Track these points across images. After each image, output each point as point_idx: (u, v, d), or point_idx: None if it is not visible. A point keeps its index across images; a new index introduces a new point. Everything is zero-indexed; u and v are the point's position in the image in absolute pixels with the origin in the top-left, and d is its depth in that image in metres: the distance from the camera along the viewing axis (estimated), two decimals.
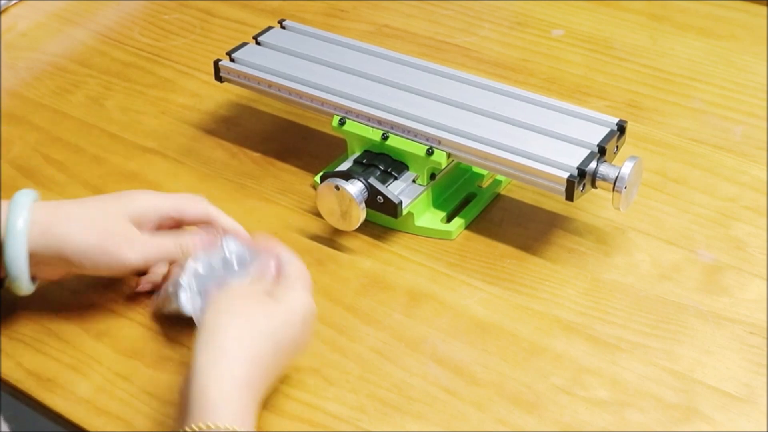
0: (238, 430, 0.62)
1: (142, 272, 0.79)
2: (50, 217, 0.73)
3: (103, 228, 0.74)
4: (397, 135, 0.85)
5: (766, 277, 0.81)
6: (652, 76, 1.07)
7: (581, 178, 0.79)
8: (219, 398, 0.63)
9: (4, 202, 0.73)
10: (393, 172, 0.85)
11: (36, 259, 0.73)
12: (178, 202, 0.79)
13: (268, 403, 0.72)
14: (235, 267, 0.76)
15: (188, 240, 0.77)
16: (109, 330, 0.79)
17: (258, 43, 0.97)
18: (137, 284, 0.80)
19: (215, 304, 0.69)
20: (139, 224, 0.76)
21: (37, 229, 0.72)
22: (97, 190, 0.93)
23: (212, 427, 0.61)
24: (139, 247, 0.75)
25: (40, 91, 1.07)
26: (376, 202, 0.83)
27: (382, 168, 0.85)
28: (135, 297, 0.80)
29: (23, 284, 0.73)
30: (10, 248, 0.71)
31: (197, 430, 0.61)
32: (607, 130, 0.82)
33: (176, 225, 0.79)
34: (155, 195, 0.78)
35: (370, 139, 0.86)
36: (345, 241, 0.86)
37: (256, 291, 0.70)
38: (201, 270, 0.76)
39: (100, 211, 0.75)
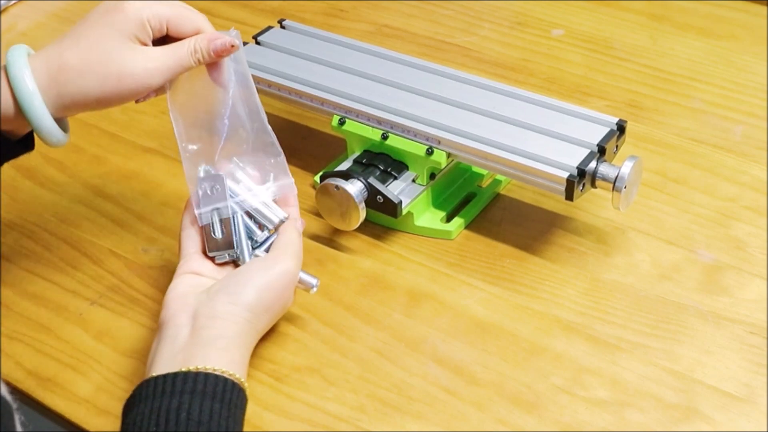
0: (237, 376, 0.66)
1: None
2: (55, 83, 0.69)
3: (114, 68, 0.70)
4: (396, 135, 0.85)
5: (766, 277, 0.81)
6: (652, 76, 1.07)
7: (581, 178, 0.79)
8: (218, 349, 0.67)
9: None
10: (393, 172, 0.85)
11: (57, 116, 0.71)
12: (174, 10, 0.73)
13: (268, 402, 0.72)
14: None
15: (200, 42, 0.73)
16: (109, 330, 0.79)
17: (258, 43, 0.97)
18: None
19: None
20: (142, 37, 0.72)
21: (48, 98, 0.69)
22: (97, 189, 0.93)
23: (214, 370, 0.64)
24: (154, 66, 0.71)
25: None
26: (375, 201, 0.83)
27: (381, 168, 0.85)
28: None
29: (58, 137, 0.71)
30: (31, 110, 0.69)
31: (199, 370, 0.64)
32: (606, 130, 0.82)
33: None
34: (133, 9, 0.71)
35: (370, 139, 0.86)
36: (345, 241, 0.86)
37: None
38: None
39: (100, 48, 0.70)
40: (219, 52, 0.74)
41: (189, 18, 0.74)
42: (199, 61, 0.73)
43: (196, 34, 0.74)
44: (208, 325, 0.67)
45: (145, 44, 0.72)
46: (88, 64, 0.69)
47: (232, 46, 0.74)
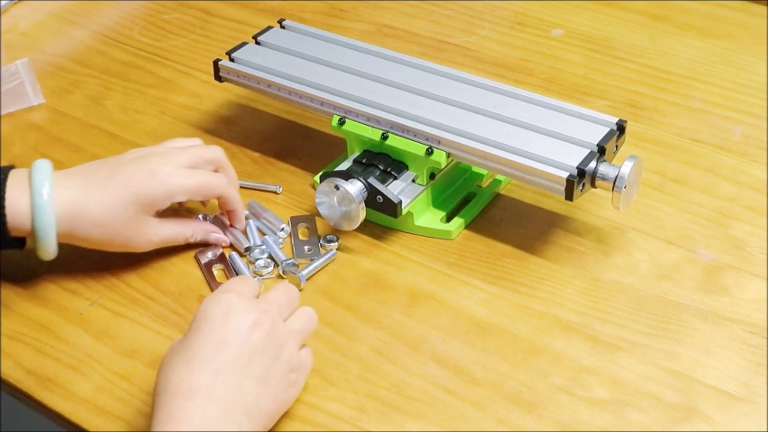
0: None
1: None
2: (71, 220, 0.77)
3: (122, 225, 0.79)
4: (396, 135, 0.85)
5: (766, 276, 0.81)
6: (652, 75, 1.07)
7: (581, 178, 0.79)
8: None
9: (21, 171, 0.79)
10: (392, 172, 0.85)
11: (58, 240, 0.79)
12: (198, 189, 0.82)
13: None
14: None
15: (198, 230, 0.85)
16: (109, 330, 0.79)
17: (258, 43, 0.97)
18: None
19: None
20: (161, 209, 0.81)
21: (59, 226, 0.77)
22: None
23: None
24: (158, 239, 0.82)
25: (40, 90, 1.07)
26: (375, 201, 0.83)
27: (381, 168, 0.85)
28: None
29: (53, 255, 0.78)
30: (44, 237, 0.76)
31: None
32: (606, 130, 0.82)
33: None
34: (173, 179, 0.80)
35: (370, 139, 0.86)
36: (345, 241, 0.86)
37: None
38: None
39: (121, 213, 0.79)
40: (211, 243, 0.85)
41: (212, 190, 0.83)
42: (192, 241, 0.85)
43: (220, 199, 0.84)
44: None
45: (160, 214, 0.82)
46: (105, 222, 0.78)
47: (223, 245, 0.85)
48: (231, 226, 0.86)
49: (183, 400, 0.62)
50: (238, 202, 0.85)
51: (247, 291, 0.70)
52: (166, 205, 0.81)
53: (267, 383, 0.66)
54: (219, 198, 0.84)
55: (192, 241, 0.84)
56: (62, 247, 0.86)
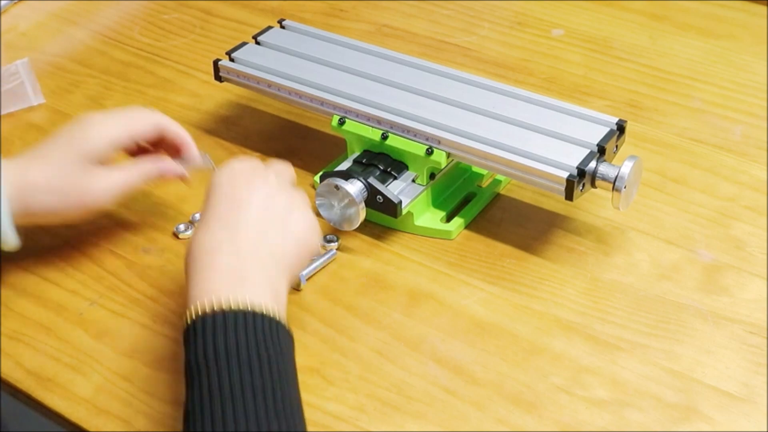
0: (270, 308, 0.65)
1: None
2: (21, 193, 0.77)
3: (71, 184, 0.78)
4: (396, 135, 0.85)
5: (766, 276, 0.81)
6: (652, 75, 1.07)
7: (581, 178, 0.79)
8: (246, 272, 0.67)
9: None
10: (392, 172, 0.85)
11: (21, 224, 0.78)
12: (129, 126, 0.81)
13: None
14: None
15: (150, 168, 0.82)
16: (109, 330, 0.79)
17: (258, 43, 0.97)
18: None
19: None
20: (102, 159, 0.80)
21: (14, 208, 0.76)
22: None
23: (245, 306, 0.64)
24: (103, 187, 0.80)
25: (40, 91, 1.07)
26: (375, 201, 0.83)
27: (381, 168, 0.85)
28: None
29: (13, 243, 0.77)
30: None
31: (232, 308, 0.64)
32: (606, 130, 0.82)
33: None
34: (105, 126, 0.80)
35: (370, 139, 0.86)
36: (345, 241, 0.86)
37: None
38: None
39: (63, 171, 0.78)
40: (167, 179, 0.84)
41: (146, 120, 0.83)
42: (147, 183, 0.83)
43: (156, 131, 0.83)
44: None
45: (106, 163, 0.80)
46: (52, 185, 0.78)
47: (183, 177, 0.84)
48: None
49: (211, 255, 0.67)
50: (184, 133, 0.84)
51: (249, 162, 0.74)
52: (106, 149, 0.80)
53: (285, 229, 0.71)
54: (162, 133, 0.83)
55: (150, 182, 0.83)
56: (62, 247, 0.86)
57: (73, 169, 0.78)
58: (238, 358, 0.61)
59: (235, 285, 0.65)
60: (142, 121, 0.82)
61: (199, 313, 0.63)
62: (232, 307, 0.63)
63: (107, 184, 0.80)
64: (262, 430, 0.59)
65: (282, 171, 0.76)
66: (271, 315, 0.64)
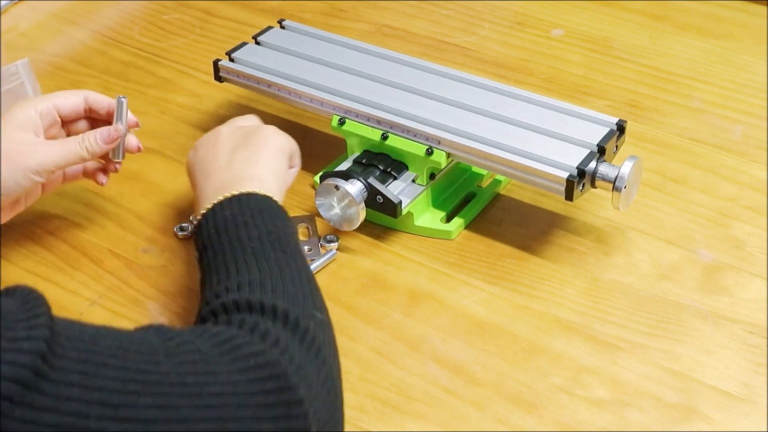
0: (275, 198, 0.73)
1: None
2: None
3: (17, 156, 0.78)
4: (396, 135, 0.85)
5: (766, 277, 0.81)
6: (652, 75, 1.07)
7: (581, 178, 0.79)
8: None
9: None
10: (392, 172, 0.85)
11: None
12: (53, 97, 0.84)
13: None
14: None
15: (89, 138, 0.81)
16: None
17: (258, 43, 0.97)
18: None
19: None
20: (37, 130, 0.80)
21: None
22: (97, 189, 0.93)
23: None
24: (41, 161, 0.78)
25: (40, 91, 1.07)
26: (375, 201, 0.83)
27: (381, 168, 0.85)
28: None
29: None
30: None
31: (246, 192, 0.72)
32: (606, 130, 0.82)
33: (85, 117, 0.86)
34: (32, 100, 0.82)
35: (370, 139, 0.86)
36: (345, 241, 0.86)
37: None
38: None
39: (7, 139, 0.78)
40: (108, 141, 0.82)
41: (69, 92, 0.85)
42: (89, 151, 0.81)
43: (81, 105, 0.85)
44: None
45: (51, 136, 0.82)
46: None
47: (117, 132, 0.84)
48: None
49: (213, 163, 0.77)
50: (107, 101, 0.84)
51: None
52: (34, 118, 0.80)
53: (261, 130, 0.80)
54: (88, 103, 0.84)
55: (91, 153, 0.81)
56: (62, 247, 0.86)
57: (15, 138, 0.78)
58: (237, 226, 0.70)
59: (237, 176, 0.74)
60: (66, 93, 0.84)
61: (210, 207, 0.72)
62: (237, 193, 0.72)
63: (45, 160, 0.78)
64: (272, 267, 0.66)
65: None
66: (275, 196, 0.73)
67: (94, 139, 0.81)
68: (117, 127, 0.82)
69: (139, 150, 0.85)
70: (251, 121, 0.84)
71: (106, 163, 0.86)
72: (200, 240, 0.71)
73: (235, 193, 0.72)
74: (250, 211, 0.71)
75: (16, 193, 0.78)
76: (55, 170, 0.79)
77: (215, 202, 0.72)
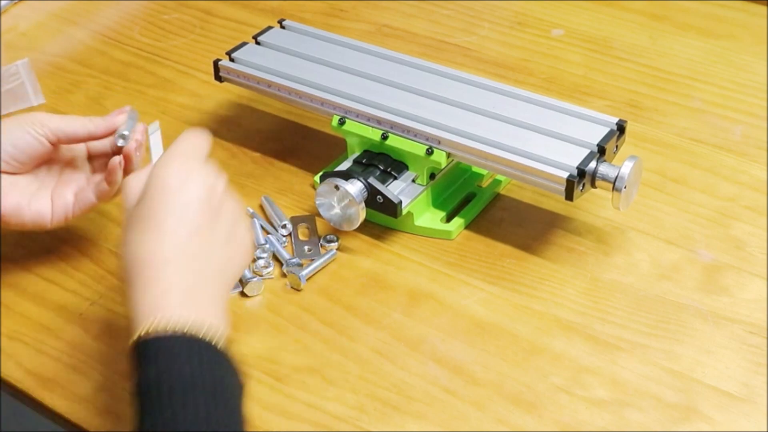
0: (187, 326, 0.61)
1: None
2: None
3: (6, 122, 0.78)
4: (396, 135, 0.85)
5: (766, 277, 0.81)
6: (652, 75, 1.07)
7: (581, 178, 0.79)
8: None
9: None
10: (393, 172, 0.85)
11: None
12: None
13: (268, 402, 0.72)
14: None
15: (97, 121, 0.80)
16: (109, 330, 0.79)
17: (258, 43, 0.97)
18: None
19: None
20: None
21: None
22: None
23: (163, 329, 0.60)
24: (41, 116, 0.79)
25: (40, 90, 1.07)
26: (375, 201, 0.83)
27: (381, 168, 0.85)
28: None
29: None
30: None
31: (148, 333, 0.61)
32: (606, 130, 0.82)
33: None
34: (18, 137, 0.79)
35: (370, 139, 0.86)
36: (345, 241, 0.86)
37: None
38: None
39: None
40: (116, 113, 0.81)
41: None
42: (93, 122, 0.81)
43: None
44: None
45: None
46: None
47: None
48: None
49: (159, 268, 0.63)
50: (83, 128, 0.81)
51: (195, 151, 0.69)
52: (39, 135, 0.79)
53: (231, 242, 0.67)
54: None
55: (95, 123, 0.80)
56: (62, 247, 0.86)
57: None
58: (194, 391, 0.59)
59: (187, 304, 0.62)
60: (23, 137, 0.79)
61: (151, 332, 0.61)
62: (187, 332, 0.60)
63: (48, 114, 0.79)
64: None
65: (221, 176, 0.70)
66: (223, 340, 0.62)
67: (100, 117, 0.80)
68: (124, 108, 0.81)
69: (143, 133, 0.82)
70: (218, 182, 0.68)
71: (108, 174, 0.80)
72: (148, 381, 0.60)
73: (197, 334, 0.61)
74: (209, 370, 0.60)
75: (9, 141, 0.77)
76: (52, 128, 0.78)
77: (170, 332, 0.60)
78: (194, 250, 0.64)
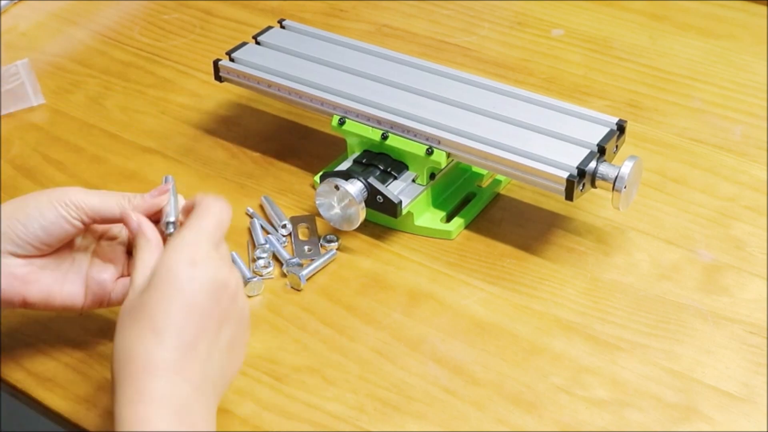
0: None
1: None
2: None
3: (35, 195, 0.70)
4: (396, 135, 0.85)
5: (766, 276, 0.81)
6: (652, 75, 1.07)
7: (581, 178, 0.79)
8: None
9: None
10: (393, 172, 0.85)
11: None
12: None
13: (268, 402, 0.72)
14: None
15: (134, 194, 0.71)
16: (109, 329, 0.79)
17: (258, 43, 0.97)
18: None
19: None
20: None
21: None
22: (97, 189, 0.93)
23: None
24: (72, 193, 0.70)
25: (40, 91, 1.07)
26: (375, 201, 0.83)
27: (381, 168, 0.85)
28: None
29: None
30: None
31: None
32: (606, 130, 0.82)
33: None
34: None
35: (370, 139, 0.86)
36: (345, 241, 0.86)
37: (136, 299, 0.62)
38: None
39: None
40: (156, 193, 0.71)
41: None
42: (131, 201, 0.70)
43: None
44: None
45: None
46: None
47: None
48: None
49: (152, 377, 0.58)
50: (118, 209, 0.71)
51: (214, 234, 0.64)
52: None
53: (233, 350, 0.63)
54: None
55: (133, 204, 0.70)
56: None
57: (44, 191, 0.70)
58: None
59: (177, 423, 0.57)
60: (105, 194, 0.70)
61: None
62: None
63: (81, 189, 0.70)
64: None
65: (234, 269, 0.65)
66: None
67: (140, 195, 0.70)
68: (166, 183, 0.72)
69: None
70: (232, 277, 0.63)
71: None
72: None
73: None
74: None
75: (38, 224, 0.68)
76: (87, 211, 0.69)
77: None
78: (193, 359, 0.60)
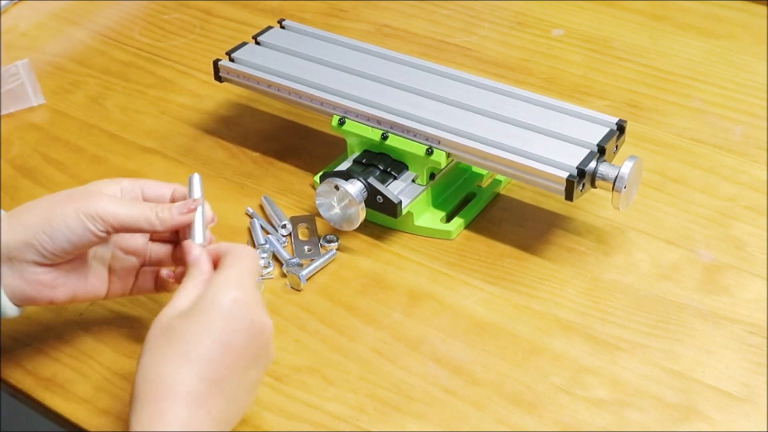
0: None
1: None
2: (20, 281, 0.69)
3: (63, 204, 0.69)
4: (396, 135, 0.85)
5: (766, 276, 0.81)
6: (652, 75, 1.07)
7: (581, 178, 0.79)
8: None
9: None
10: (392, 172, 0.85)
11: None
12: (141, 183, 0.73)
13: (268, 402, 0.72)
14: None
15: (163, 206, 0.71)
16: (109, 330, 0.79)
17: (258, 43, 0.97)
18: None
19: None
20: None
21: (12, 293, 0.69)
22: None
23: None
24: (101, 207, 0.69)
25: (40, 91, 1.07)
26: (375, 201, 0.83)
27: (381, 168, 0.85)
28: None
29: (11, 312, 0.70)
30: None
31: None
32: (606, 130, 0.82)
33: None
34: (115, 180, 0.72)
35: (370, 139, 0.86)
36: (345, 241, 0.86)
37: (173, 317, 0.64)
38: None
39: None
40: (184, 210, 0.71)
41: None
42: (159, 217, 0.70)
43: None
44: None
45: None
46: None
47: None
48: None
49: (175, 403, 0.59)
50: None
51: (252, 277, 0.66)
52: (117, 190, 0.72)
53: (255, 390, 0.66)
54: (174, 197, 0.73)
55: (161, 220, 0.70)
56: None
57: (86, 187, 0.72)
58: None
59: None
60: (157, 182, 0.73)
61: None
62: None
63: (112, 202, 0.69)
64: None
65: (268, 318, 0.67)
66: None
67: (167, 207, 0.70)
68: (194, 199, 0.72)
69: (213, 221, 0.73)
70: (266, 325, 0.65)
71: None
72: None
73: None
74: None
75: (65, 237, 0.68)
76: (114, 224, 0.68)
77: None
78: (217, 394, 0.61)
